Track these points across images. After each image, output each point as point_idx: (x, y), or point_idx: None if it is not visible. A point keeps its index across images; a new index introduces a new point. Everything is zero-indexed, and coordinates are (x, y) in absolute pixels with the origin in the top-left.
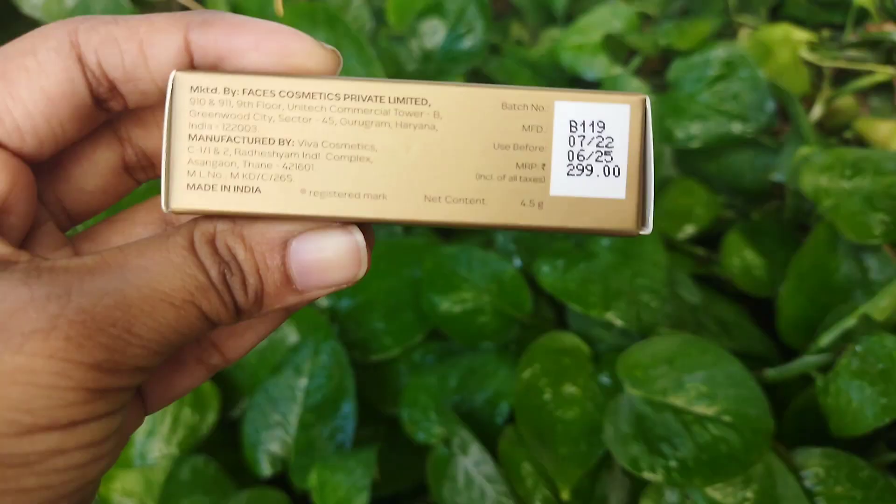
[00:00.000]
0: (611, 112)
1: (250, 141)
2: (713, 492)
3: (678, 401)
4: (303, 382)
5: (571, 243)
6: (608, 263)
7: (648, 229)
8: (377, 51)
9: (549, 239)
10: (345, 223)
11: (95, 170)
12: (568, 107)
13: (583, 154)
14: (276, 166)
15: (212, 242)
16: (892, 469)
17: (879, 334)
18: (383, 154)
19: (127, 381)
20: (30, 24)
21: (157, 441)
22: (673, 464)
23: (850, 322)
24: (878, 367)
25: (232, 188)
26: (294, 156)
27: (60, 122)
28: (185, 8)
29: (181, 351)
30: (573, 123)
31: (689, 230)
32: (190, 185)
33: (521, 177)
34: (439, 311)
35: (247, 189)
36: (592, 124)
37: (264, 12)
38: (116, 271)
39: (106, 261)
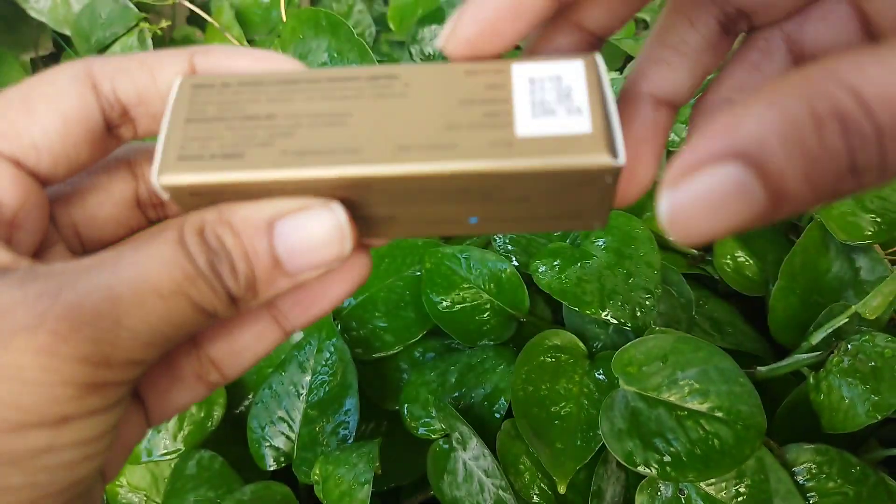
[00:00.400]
0: (565, 68)
1: (239, 118)
2: (707, 487)
3: (672, 397)
4: (306, 379)
5: (567, 243)
6: (603, 263)
7: (621, 160)
8: (378, 55)
9: (547, 239)
10: (326, 200)
11: (110, 199)
12: (524, 67)
13: (545, 100)
14: (261, 136)
15: (201, 233)
16: (884, 465)
17: (870, 333)
18: (358, 118)
19: (120, 375)
20: (35, 26)
21: (163, 437)
22: (667, 459)
23: (841, 321)
24: (870, 365)
25: (219, 155)
26: (277, 126)
27: (75, 143)
28: (189, 11)
29: (180, 366)
30: (532, 79)
31: None
32: (181, 157)
33: (488, 124)
34: (439, 309)
35: (231, 155)
36: (550, 78)
37: (268, 17)
38: (109, 268)
39: (101, 259)
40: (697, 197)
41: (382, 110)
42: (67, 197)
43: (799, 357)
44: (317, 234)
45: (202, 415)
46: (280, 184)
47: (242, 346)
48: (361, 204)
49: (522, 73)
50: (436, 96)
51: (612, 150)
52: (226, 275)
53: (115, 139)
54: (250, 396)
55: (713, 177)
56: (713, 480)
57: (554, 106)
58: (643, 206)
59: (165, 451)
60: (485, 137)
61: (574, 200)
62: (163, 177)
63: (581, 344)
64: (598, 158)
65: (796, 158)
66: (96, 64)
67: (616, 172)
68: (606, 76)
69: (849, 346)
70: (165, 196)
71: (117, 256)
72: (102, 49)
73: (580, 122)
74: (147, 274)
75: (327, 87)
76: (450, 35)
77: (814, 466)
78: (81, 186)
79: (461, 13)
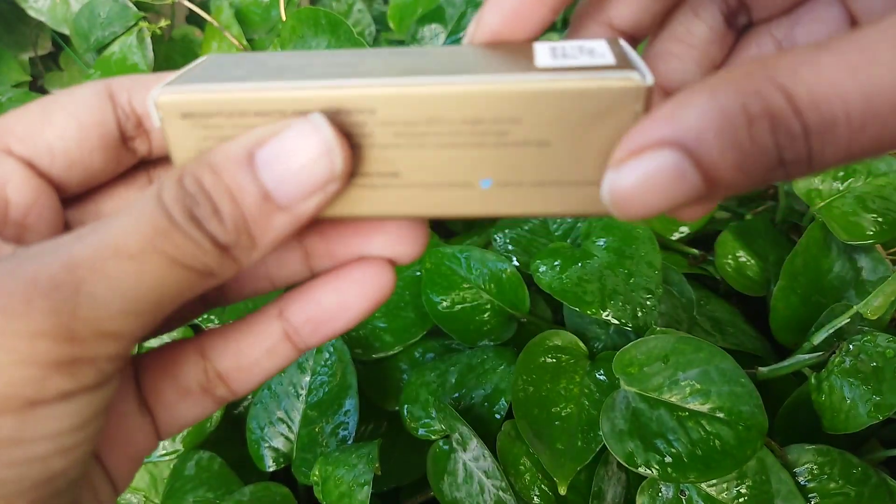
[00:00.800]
0: (588, 42)
1: (254, 65)
2: (708, 487)
3: (673, 398)
4: (306, 379)
5: (568, 243)
6: (604, 263)
7: (649, 80)
8: None
9: (548, 239)
10: (303, 113)
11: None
12: (545, 43)
13: (566, 53)
14: (266, 71)
15: (179, 181)
16: (885, 466)
17: (872, 333)
18: (372, 63)
19: (92, 350)
20: (34, 26)
21: None
22: (668, 459)
23: (842, 321)
24: (871, 365)
25: (219, 78)
26: (289, 68)
27: (89, 148)
28: (188, 11)
29: (186, 378)
30: (553, 48)
31: (683, 230)
32: (183, 82)
33: (507, 62)
34: (439, 309)
35: (234, 79)
36: (572, 46)
37: (267, 16)
38: (81, 236)
39: (79, 230)
40: (637, 178)
41: (399, 59)
42: (82, 203)
43: (800, 357)
44: (300, 151)
45: None
46: (277, 103)
47: (252, 362)
48: (363, 145)
49: (544, 44)
50: (454, 53)
51: (639, 72)
52: (207, 220)
53: (130, 153)
54: (249, 397)
55: (653, 161)
56: (714, 481)
57: (576, 55)
58: None
59: (164, 452)
60: (501, 67)
61: (600, 146)
62: (159, 94)
63: (582, 344)
64: (624, 74)
65: (729, 151)
66: (116, 79)
67: (645, 96)
68: (630, 48)
69: (850, 346)
70: (157, 122)
71: (97, 223)
72: (101, 48)
73: (602, 60)
74: (111, 235)
75: (346, 52)
76: (475, 26)
77: (815, 467)
78: (97, 193)
79: (485, 4)
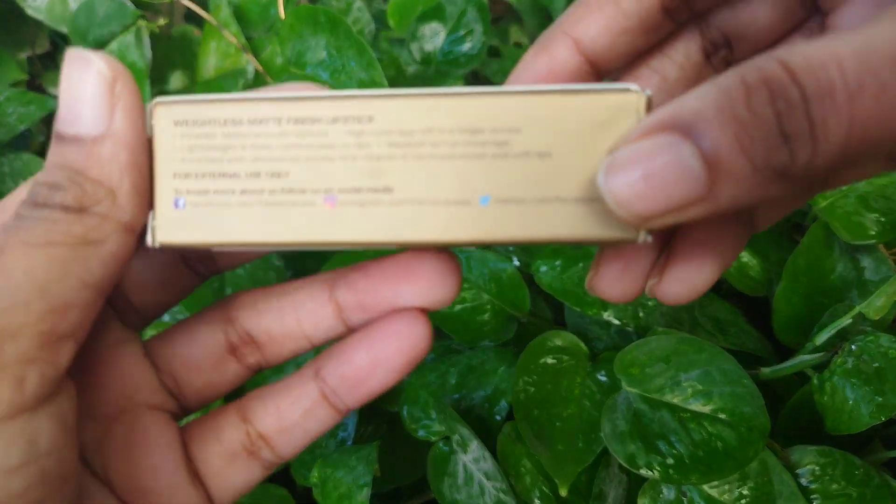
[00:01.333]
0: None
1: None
2: (710, 489)
3: (674, 398)
4: None
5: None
6: None
7: (649, 91)
8: (378, 53)
9: None
10: (300, 121)
11: (155, 261)
12: None
13: None
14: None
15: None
16: (888, 467)
17: (874, 334)
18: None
19: None
20: (32, 24)
21: None
22: (669, 461)
23: (845, 321)
24: (874, 366)
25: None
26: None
27: None
28: (186, 9)
29: (230, 441)
30: None
31: None
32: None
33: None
34: (439, 309)
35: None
36: None
37: (266, 14)
38: None
39: None
40: (633, 166)
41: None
42: None
43: (803, 358)
44: (81, 92)
45: None
46: (272, 111)
47: (292, 423)
48: (357, 157)
49: None
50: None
51: (639, 87)
52: (49, 197)
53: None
54: None
55: (648, 145)
56: (716, 483)
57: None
58: None
59: None
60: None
61: (602, 160)
62: (156, 101)
63: (583, 345)
64: (623, 86)
65: (728, 125)
66: None
67: (646, 105)
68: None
69: (853, 346)
70: (149, 130)
71: None
72: (100, 47)
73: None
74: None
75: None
76: None
77: (818, 468)
78: None
79: (507, 81)
